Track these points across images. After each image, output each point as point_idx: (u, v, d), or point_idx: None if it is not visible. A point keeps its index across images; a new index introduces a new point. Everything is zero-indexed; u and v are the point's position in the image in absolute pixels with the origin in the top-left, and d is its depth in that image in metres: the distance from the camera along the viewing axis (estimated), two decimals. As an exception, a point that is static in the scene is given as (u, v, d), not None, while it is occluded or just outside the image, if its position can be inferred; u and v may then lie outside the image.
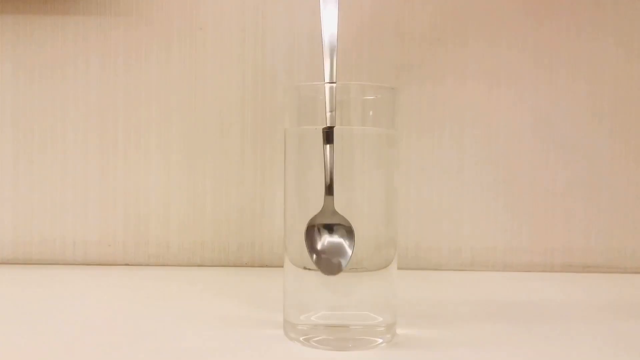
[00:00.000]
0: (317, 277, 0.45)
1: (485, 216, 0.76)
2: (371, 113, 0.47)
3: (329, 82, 0.46)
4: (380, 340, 0.46)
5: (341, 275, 0.45)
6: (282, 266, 0.48)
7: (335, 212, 0.45)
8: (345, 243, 0.45)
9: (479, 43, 0.76)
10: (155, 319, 0.53)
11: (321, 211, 0.46)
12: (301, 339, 0.46)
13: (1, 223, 0.77)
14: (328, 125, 0.45)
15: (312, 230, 0.46)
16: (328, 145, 0.46)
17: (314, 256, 0.46)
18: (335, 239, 0.46)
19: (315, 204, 0.46)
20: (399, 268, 0.48)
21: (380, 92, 0.47)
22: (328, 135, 0.45)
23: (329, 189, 0.46)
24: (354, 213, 0.46)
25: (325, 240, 0.46)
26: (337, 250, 0.45)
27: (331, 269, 0.45)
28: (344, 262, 0.45)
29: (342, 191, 0.45)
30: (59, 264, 0.77)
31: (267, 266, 0.77)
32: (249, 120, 0.77)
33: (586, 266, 0.77)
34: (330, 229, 0.46)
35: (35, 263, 0.77)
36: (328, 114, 0.45)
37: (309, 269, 0.46)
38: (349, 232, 0.45)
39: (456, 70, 0.76)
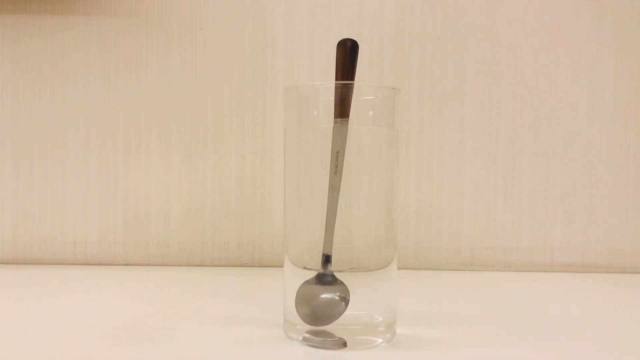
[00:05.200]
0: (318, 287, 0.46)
1: (485, 216, 0.77)
2: (371, 113, 0.47)
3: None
4: (380, 340, 0.46)
5: (341, 275, 0.45)
6: (282, 266, 0.48)
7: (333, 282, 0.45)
8: (338, 308, 0.45)
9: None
10: (155, 319, 0.53)
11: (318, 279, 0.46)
12: (301, 339, 0.46)
13: (1, 223, 0.77)
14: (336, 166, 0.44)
15: (304, 289, 0.46)
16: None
17: (301, 307, 0.46)
18: (329, 300, 0.45)
19: (315, 204, 0.46)
20: (399, 268, 0.48)
21: (380, 92, 0.47)
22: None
23: (327, 259, 0.45)
24: (354, 213, 0.46)
25: (317, 301, 0.46)
26: (328, 312, 0.45)
27: (316, 322, 0.46)
28: (332, 320, 0.45)
29: (342, 192, 0.45)
30: (59, 264, 0.77)
31: (267, 266, 0.77)
32: (249, 120, 0.77)
33: (586, 266, 0.77)
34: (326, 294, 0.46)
35: (35, 263, 0.77)
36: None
37: (309, 269, 0.46)
38: (343, 300, 0.45)
39: (457, 68, 0.76)
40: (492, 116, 0.76)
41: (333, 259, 0.45)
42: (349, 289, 0.45)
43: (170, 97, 0.77)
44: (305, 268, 0.46)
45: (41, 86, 0.77)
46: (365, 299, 0.46)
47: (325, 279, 0.45)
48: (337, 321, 0.45)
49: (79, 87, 0.77)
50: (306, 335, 0.45)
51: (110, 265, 0.77)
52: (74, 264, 0.77)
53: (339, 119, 0.45)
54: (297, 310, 0.46)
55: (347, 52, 0.46)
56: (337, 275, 0.45)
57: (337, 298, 0.45)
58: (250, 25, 0.76)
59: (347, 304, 0.45)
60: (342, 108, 0.44)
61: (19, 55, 0.77)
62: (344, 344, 0.45)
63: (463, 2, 0.75)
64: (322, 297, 0.46)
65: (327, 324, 0.45)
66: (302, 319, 0.46)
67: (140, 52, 0.76)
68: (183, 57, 0.76)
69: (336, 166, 0.44)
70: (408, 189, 0.76)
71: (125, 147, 0.77)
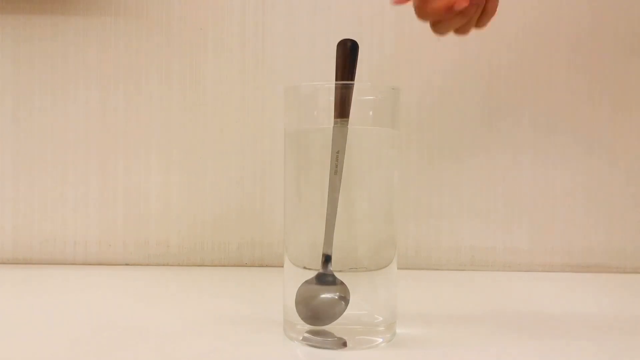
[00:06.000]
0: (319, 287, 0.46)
1: (485, 216, 0.76)
2: (371, 113, 0.47)
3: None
4: (380, 340, 0.46)
5: (341, 275, 0.45)
6: (282, 266, 0.48)
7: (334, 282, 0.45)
8: (337, 307, 0.45)
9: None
10: (155, 319, 0.53)
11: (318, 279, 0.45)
12: (301, 338, 0.46)
13: (1, 223, 0.77)
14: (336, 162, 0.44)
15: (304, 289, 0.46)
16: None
17: (301, 306, 0.46)
18: (329, 300, 0.45)
19: (315, 204, 0.46)
20: (399, 268, 0.48)
21: (380, 92, 0.47)
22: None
23: (326, 259, 0.45)
24: (354, 213, 0.46)
25: (317, 301, 0.46)
26: (328, 312, 0.45)
27: (316, 322, 0.46)
28: (332, 320, 0.45)
29: (342, 192, 0.45)
30: (59, 264, 0.77)
31: (267, 266, 0.77)
32: (249, 120, 0.77)
33: (586, 266, 0.77)
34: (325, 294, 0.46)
35: (35, 263, 0.77)
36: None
37: (309, 269, 0.46)
38: (343, 299, 0.45)
39: (457, 68, 0.76)
40: (492, 116, 0.76)
41: (333, 259, 0.45)
42: (349, 289, 0.45)
43: (170, 97, 0.77)
44: (305, 268, 0.46)
45: (41, 86, 0.77)
46: (365, 299, 0.46)
47: (325, 278, 0.45)
48: (337, 321, 0.45)
49: (79, 87, 0.77)
50: (306, 335, 0.46)
51: (110, 265, 0.77)
52: (74, 264, 0.77)
53: (338, 119, 0.45)
54: (297, 310, 0.46)
55: (347, 52, 0.46)
56: (337, 275, 0.45)
57: (337, 298, 0.45)
58: (250, 25, 0.76)
59: (347, 303, 0.45)
60: (342, 108, 0.45)
61: (19, 55, 0.77)
62: (344, 344, 0.45)
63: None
64: (322, 297, 0.46)
65: (327, 323, 0.45)
66: (302, 319, 0.46)
67: (140, 52, 0.76)
68: (183, 57, 0.76)
69: (336, 166, 0.44)
70: (408, 189, 0.76)
71: (125, 147, 0.77)
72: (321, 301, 0.46)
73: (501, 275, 0.74)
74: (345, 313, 0.45)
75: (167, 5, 0.76)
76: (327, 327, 0.45)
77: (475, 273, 0.75)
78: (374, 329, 0.46)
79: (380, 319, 0.47)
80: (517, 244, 0.76)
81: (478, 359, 0.44)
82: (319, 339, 0.45)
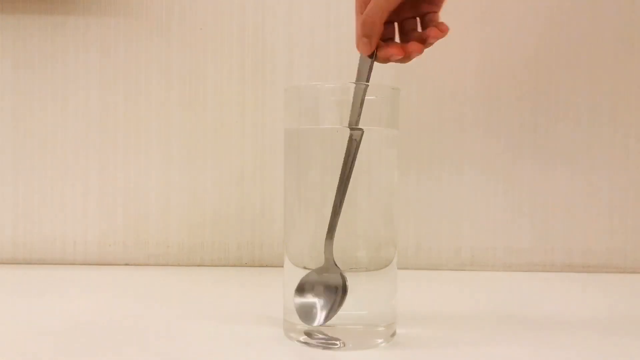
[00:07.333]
0: (316, 277, 0.46)
1: (485, 216, 0.76)
2: (371, 113, 0.47)
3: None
4: (380, 340, 0.46)
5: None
6: (282, 266, 0.48)
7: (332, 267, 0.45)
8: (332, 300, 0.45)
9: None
10: (155, 319, 0.53)
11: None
12: (301, 339, 0.46)
13: (1, 223, 0.77)
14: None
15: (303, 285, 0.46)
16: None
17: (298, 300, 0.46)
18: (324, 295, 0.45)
19: (315, 203, 0.46)
20: (399, 268, 0.48)
21: (381, 92, 0.47)
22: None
23: (331, 230, 0.45)
24: (354, 213, 0.46)
25: (313, 293, 0.46)
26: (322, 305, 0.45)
27: (310, 319, 0.45)
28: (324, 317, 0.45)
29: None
30: (59, 264, 0.77)
31: (267, 266, 0.77)
32: (249, 120, 0.77)
33: (586, 266, 0.77)
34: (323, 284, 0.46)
35: (35, 263, 0.77)
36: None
37: (309, 269, 0.46)
38: (341, 288, 0.45)
39: (457, 68, 0.76)
40: (492, 116, 0.76)
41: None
42: (349, 288, 0.45)
43: (170, 97, 0.77)
44: (305, 268, 0.46)
45: (41, 86, 0.77)
46: (365, 299, 0.46)
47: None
48: (337, 321, 0.45)
49: (79, 87, 0.77)
50: (305, 335, 0.46)
51: (110, 265, 0.77)
52: (74, 264, 0.77)
53: (356, 122, 0.45)
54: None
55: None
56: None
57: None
58: (250, 25, 0.76)
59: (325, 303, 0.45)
60: (361, 110, 0.45)
61: (18, 55, 0.77)
62: (344, 344, 0.45)
63: (463, 2, 0.75)
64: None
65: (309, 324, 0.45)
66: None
67: (140, 52, 0.76)
68: (183, 58, 0.76)
69: (350, 168, 0.44)
70: (408, 189, 0.76)
71: (125, 147, 0.77)
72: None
73: (501, 275, 0.74)
74: (345, 313, 0.45)
75: (167, 5, 0.76)
76: (327, 327, 0.45)
77: (475, 273, 0.75)
78: (373, 329, 0.46)
79: (380, 319, 0.47)
80: (517, 244, 0.76)
81: (478, 359, 0.44)
82: (318, 338, 0.45)
